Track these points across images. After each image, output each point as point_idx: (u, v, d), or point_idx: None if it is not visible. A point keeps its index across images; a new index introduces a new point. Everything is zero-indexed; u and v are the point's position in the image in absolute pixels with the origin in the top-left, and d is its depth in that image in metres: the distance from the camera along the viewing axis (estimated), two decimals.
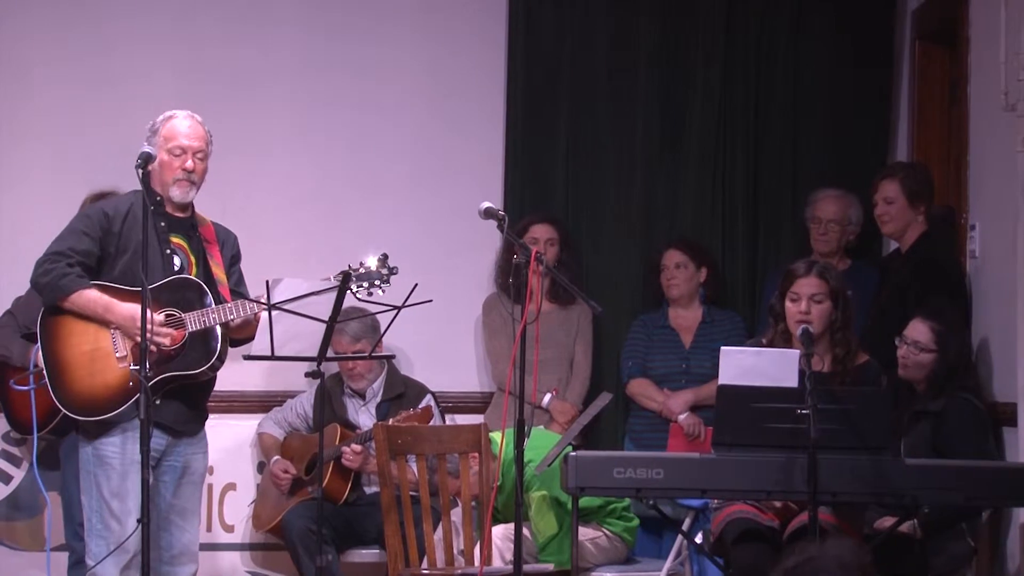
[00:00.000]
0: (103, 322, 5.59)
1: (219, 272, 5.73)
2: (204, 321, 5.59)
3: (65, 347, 5.61)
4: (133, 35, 7.48)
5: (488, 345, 7.51)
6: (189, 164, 5.67)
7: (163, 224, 5.68)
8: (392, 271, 5.67)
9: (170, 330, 5.56)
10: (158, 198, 5.64)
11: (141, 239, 5.48)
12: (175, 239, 5.72)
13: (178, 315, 5.60)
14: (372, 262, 5.66)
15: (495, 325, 7.41)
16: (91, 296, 5.59)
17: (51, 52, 7.45)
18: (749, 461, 5.41)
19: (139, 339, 5.37)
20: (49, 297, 5.62)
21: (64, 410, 5.61)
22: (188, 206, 5.78)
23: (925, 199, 6.72)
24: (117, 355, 5.58)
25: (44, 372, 5.62)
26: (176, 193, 5.70)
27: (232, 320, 5.64)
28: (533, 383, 5.80)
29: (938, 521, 5.80)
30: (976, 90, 6.75)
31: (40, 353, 5.64)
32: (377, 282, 5.66)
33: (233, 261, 5.87)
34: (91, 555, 5.64)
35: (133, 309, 5.48)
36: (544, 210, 7.50)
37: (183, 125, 5.72)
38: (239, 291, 5.81)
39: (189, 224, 5.78)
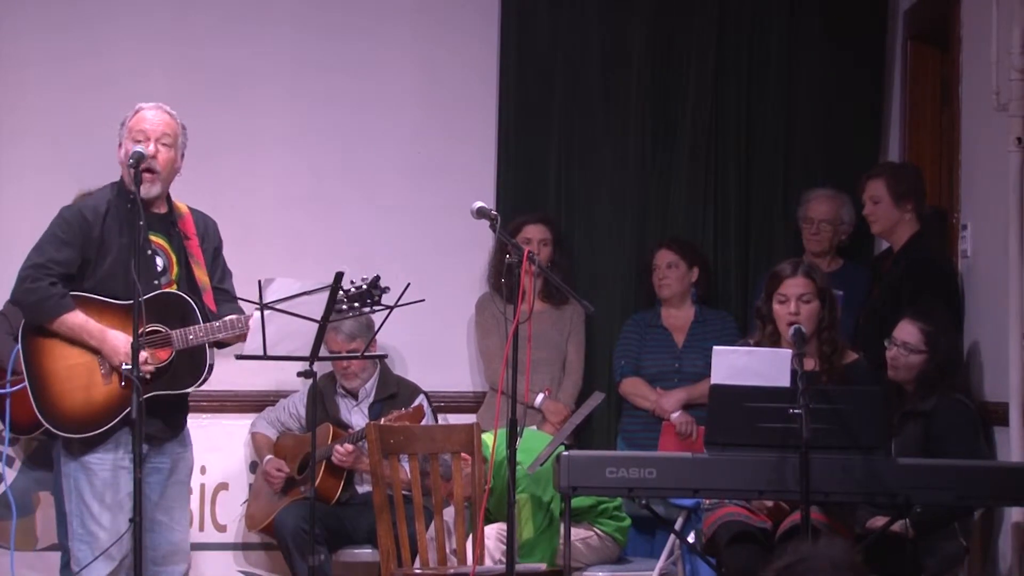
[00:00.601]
0: (91, 349, 5.46)
1: (202, 275, 5.58)
2: (191, 340, 5.46)
3: (50, 359, 5.48)
4: (128, 35, 7.47)
5: (481, 345, 7.51)
6: (151, 149, 5.47)
7: (142, 223, 5.40)
8: (384, 290, 5.54)
9: (151, 357, 5.43)
10: (132, 196, 5.41)
11: (124, 242, 5.40)
12: (155, 238, 5.54)
13: (164, 332, 5.47)
14: (363, 286, 5.56)
15: (488, 325, 7.41)
16: (77, 323, 5.43)
17: (46, 52, 7.43)
18: (741, 461, 5.40)
19: (120, 366, 5.34)
20: (32, 320, 5.49)
21: (50, 427, 5.47)
22: (165, 201, 5.60)
23: (912, 198, 6.70)
24: (102, 371, 5.46)
25: (25, 376, 5.49)
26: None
27: (220, 338, 5.52)
28: (526, 383, 5.79)
29: (930, 520, 5.79)
30: (968, 90, 6.76)
31: (20, 358, 5.50)
32: (368, 302, 5.54)
33: (216, 254, 5.69)
34: (75, 561, 5.53)
35: (120, 341, 5.39)
36: (537, 210, 7.50)
37: (148, 114, 5.55)
38: (223, 288, 5.66)
39: (168, 220, 5.59)
